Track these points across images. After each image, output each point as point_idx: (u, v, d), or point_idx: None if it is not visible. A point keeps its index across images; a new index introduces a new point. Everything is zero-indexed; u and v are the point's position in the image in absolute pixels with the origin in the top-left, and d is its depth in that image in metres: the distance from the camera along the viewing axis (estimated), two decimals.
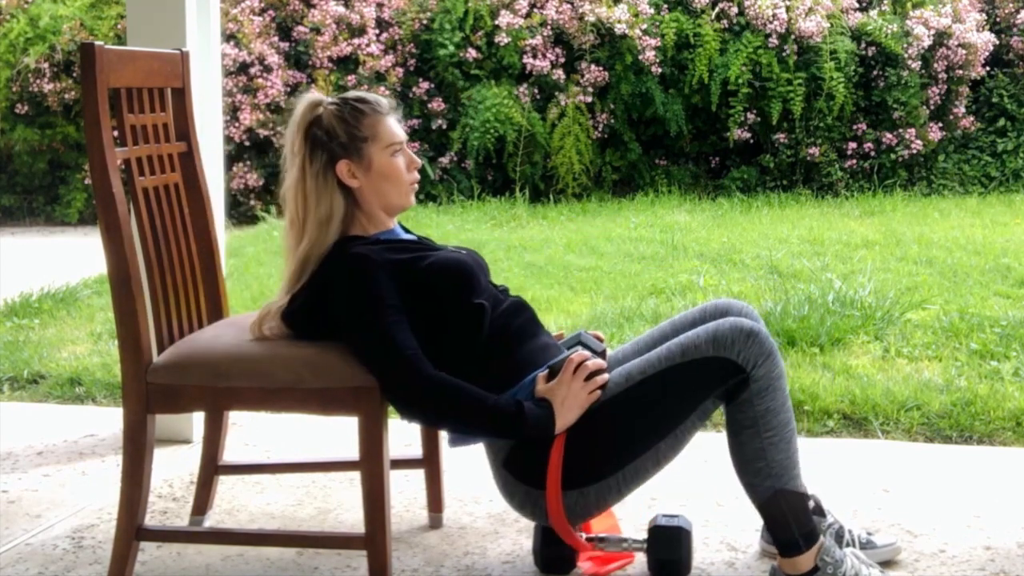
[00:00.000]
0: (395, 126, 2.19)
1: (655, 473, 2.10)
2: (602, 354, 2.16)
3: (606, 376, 2.09)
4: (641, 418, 2.05)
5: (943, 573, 2.29)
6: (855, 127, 8.75)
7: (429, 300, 2.07)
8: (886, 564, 2.30)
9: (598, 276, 5.56)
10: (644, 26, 8.52)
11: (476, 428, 2.04)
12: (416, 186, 2.23)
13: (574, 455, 2.04)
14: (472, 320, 2.09)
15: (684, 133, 8.76)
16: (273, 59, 8.56)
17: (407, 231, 2.30)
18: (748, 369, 2.02)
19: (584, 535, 2.24)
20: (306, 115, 2.15)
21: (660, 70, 8.55)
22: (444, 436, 2.38)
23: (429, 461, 2.55)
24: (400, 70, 8.65)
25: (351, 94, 2.20)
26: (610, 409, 2.05)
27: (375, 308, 2.01)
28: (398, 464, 2.55)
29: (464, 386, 2.01)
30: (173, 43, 2.91)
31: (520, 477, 2.09)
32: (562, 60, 8.71)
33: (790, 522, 2.08)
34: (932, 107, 8.82)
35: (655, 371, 2.06)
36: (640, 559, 2.31)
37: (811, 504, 2.19)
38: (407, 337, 2.01)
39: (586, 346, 2.15)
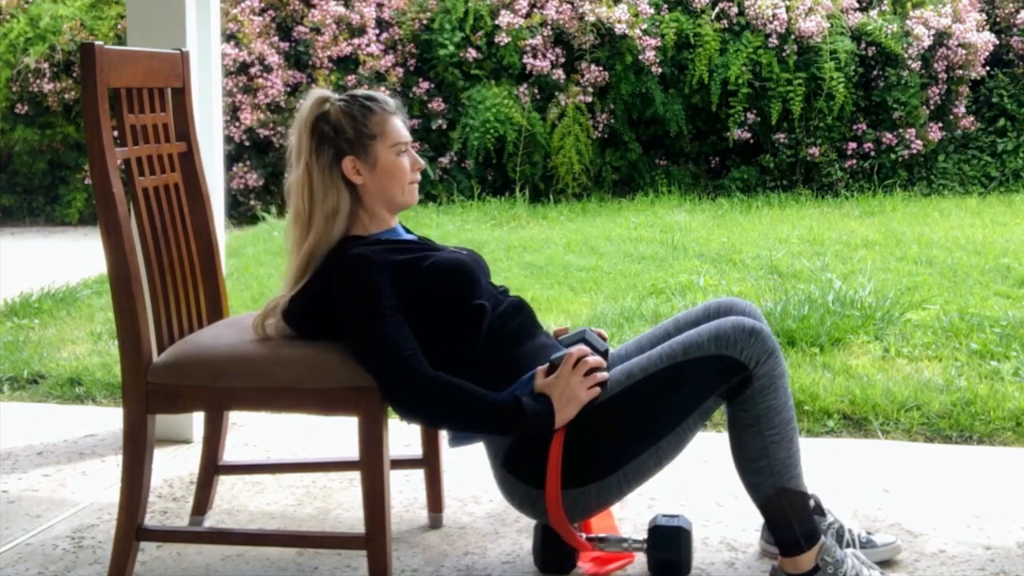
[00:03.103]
0: (401, 126, 2.20)
1: (656, 472, 2.09)
2: (604, 353, 2.16)
3: (606, 375, 2.08)
4: (643, 416, 2.05)
5: (943, 573, 2.29)
6: (855, 127, 8.75)
7: (429, 301, 2.07)
8: (886, 564, 2.30)
9: (598, 276, 5.56)
10: (644, 26, 8.52)
11: (476, 426, 2.04)
12: (417, 185, 2.24)
13: (575, 453, 2.04)
14: (472, 320, 2.09)
15: (684, 133, 8.76)
16: (273, 59, 8.56)
17: (408, 231, 2.30)
18: (751, 367, 2.02)
19: (584, 535, 2.24)
20: (314, 110, 2.15)
21: (660, 70, 8.55)
22: (444, 436, 2.38)
23: (429, 461, 2.55)
24: (400, 70, 8.66)
25: (359, 92, 2.20)
26: (611, 407, 2.05)
27: (374, 309, 2.02)
28: (398, 464, 2.55)
29: (462, 384, 2.01)
30: (173, 43, 2.91)
31: (519, 476, 2.08)
32: (562, 60, 8.71)
33: (791, 521, 2.08)
34: (932, 107, 8.82)
35: (656, 369, 2.05)
36: (640, 559, 2.31)
37: (811, 504, 2.19)
38: (405, 337, 2.01)
39: (588, 343, 2.15)
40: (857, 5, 8.92)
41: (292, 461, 2.85)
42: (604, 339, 2.20)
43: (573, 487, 2.05)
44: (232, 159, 8.43)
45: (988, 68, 9.00)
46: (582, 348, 2.09)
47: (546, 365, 2.09)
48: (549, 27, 8.66)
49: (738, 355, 2.02)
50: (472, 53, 8.62)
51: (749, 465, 2.08)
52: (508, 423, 2.01)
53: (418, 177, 2.23)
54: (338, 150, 2.13)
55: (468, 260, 2.16)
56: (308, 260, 2.12)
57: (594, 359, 2.07)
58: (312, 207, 2.12)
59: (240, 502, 2.73)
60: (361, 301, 2.02)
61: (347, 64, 8.73)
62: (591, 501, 2.08)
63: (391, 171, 2.16)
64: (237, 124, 8.39)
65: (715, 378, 2.03)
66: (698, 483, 2.81)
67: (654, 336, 2.31)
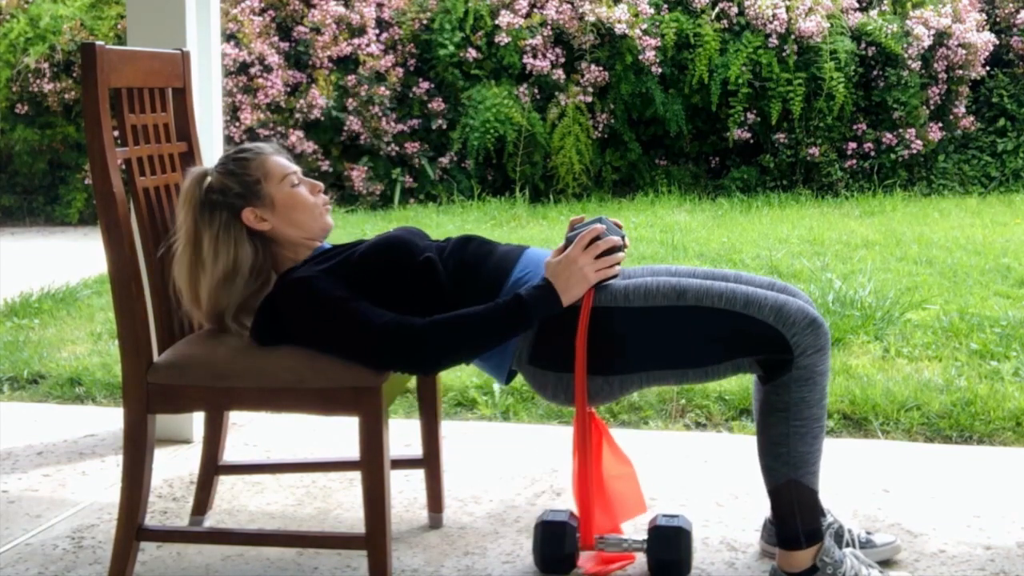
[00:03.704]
0: (284, 160, 2.23)
1: (675, 385, 2.15)
2: (621, 239, 2.14)
3: (621, 255, 2.10)
4: (682, 339, 2.06)
5: (943, 573, 2.30)
6: (855, 127, 8.75)
7: (377, 281, 2.09)
8: (886, 563, 2.30)
9: None
10: (644, 26, 8.52)
11: (491, 339, 2.05)
12: (328, 207, 2.25)
13: (609, 345, 2.07)
14: (427, 273, 2.11)
15: (684, 133, 8.76)
16: (273, 59, 8.56)
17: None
18: (795, 354, 2.03)
19: (597, 535, 2.25)
20: (195, 187, 2.17)
21: (660, 70, 8.55)
22: (443, 439, 2.37)
23: (429, 461, 2.55)
24: (400, 70, 8.65)
25: (230, 151, 2.24)
26: (656, 317, 2.06)
27: (336, 311, 2.03)
28: (398, 464, 2.55)
29: (458, 312, 2.04)
30: (173, 43, 2.91)
31: (547, 367, 2.12)
32: (562, 60, 8.72)
33: (796, 515, 2.09)
34: (932, 107, 8.82)
35: (711, 304, 2.06)
36: (640, 559, 2.31)
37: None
38: (379, 313, 2.03)
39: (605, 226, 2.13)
40: (857, 5, 8.92)
41: (292, 461, 2.84)
42: (620, 227, 2.18)
43: (599, 374, 2.09)
44: None
45: (988, 68, 9.00)
46: (597, 227, 2.09)
47: (563, 244, 2.12)
48: (549, 27, 8.66)
49: (790, 337, 2.02)
50: (472, 53, 8.62)
51: (769, 448, 2.09)
52: (517, 319, 2.03)
53: (325, 199, 2.24)
54: (232, 208, 2.15)
55: (397, 232, 2.19)
56: (218, 316, 2.15)
57: (608, 240, 2.08)
58: (200, 276, 2.13)
59: (240, 502, 2.73)
60: (321, 313, 2.04)
61: (347, 64, 8.73)
62: (614, 389, 2.12)
63: (291, 203, 2.18)
64: (237, 124, 8.39)
65: (758, 344, 2.04)
66: (698, 483, 2.81)
67: (712, 274, 2.29)
